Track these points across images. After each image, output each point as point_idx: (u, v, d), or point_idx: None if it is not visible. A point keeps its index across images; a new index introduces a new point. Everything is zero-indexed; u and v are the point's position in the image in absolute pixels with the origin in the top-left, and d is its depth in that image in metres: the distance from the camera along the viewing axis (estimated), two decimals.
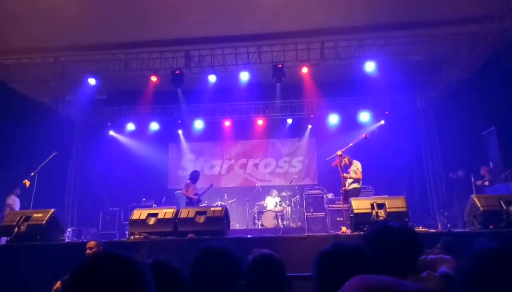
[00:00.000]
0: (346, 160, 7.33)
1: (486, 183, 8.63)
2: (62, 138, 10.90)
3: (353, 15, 8.31)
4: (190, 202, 9.00)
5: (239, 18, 8.45)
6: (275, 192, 11.04)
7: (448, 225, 8.32)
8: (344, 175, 7.10)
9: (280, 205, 10.56)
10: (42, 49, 9.12)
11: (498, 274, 1.37)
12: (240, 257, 1.90)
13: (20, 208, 8.29)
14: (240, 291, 1.72)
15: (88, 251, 4.77)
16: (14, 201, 8.54)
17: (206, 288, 1.73)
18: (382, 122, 11.86)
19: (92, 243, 4.86)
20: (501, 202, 5.28)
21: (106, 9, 8.03)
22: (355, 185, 7.20)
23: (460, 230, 6.02)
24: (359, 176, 7.19)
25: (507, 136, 8.17)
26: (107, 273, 0.93)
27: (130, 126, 12.50)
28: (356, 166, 7.26)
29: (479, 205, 5.35)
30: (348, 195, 7.08)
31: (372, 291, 0.85)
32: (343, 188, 7.15)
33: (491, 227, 5.14)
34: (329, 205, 9.52)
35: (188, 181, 9.24)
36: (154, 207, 10.36)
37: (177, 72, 9.60)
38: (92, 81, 9.89)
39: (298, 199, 10.90)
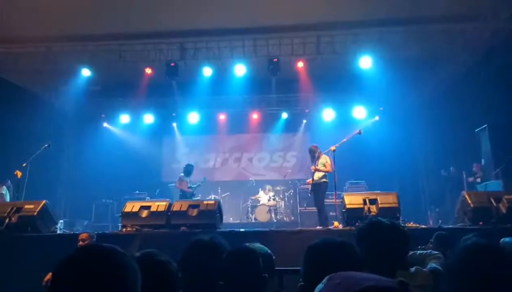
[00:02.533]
0: (317, 153, 7.32)
1: (478, 180, 8.72)
2: (55, 129, 10.80)
3: (349, 9, 8.30)
4: (184, 195, 9.04)
5: (234, 11, 8.39)
6: (268, 186, 11.08)
7: (439, 221, 8.38)
8: (315, 167, 7.11)
9: (273, 199, 10.60)
10: (34, 38, 8.98)
11: (480, 267, 1.40)
12: (229, 250, 1.91)
13: (11, 199, 8.24)
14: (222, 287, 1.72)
15: (80, 242, 4.77)
16: (5, 192, 8.49)
17: (194, 281, 1.74)
18: (377, 118, 11.90)
19: (84, 235, 4.85)
20: (491, 199, 5.35)
21: None
22: (324, 179, 7.17)
23: (450, 226, 6.09)
24: (329, 168, 7.09)
25: (499, 134, 8.25)
26: (92, 265, 0.93)
27: (125, 118, 12.41)
28: (325, 159, 7.22)
29: (469, 201, 5.42)
30: (316, 187, 7.12)
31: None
32: (311, 180, 7.20)
33: (480, 223, 5.22)
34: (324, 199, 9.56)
35: (182, 174, 9.27)
36: (148, 199, 10.35)
37: (172, 64, 9.53)
38: (86, 72, 9.80)
39: (291, 193, 10.95)
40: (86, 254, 0.98)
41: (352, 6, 8.15)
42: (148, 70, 9.93)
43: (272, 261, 2.25)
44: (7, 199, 8.31)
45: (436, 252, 2.79)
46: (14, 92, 9.88)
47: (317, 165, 7.12)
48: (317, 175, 7.14)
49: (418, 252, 2.81)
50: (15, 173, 6.56)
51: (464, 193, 5.70)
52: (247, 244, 2.33)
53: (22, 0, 7.70)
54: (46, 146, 7.05)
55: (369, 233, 1.98)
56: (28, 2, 7.77)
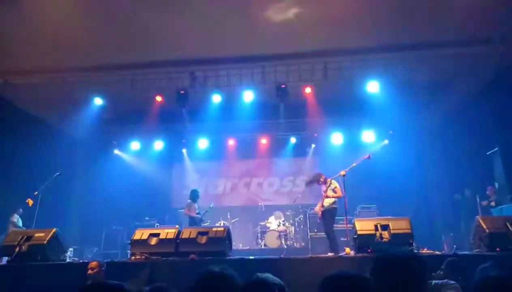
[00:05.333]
0: (322, 178, 7.23)
1: (492, 204, 8.51)
2: (67, 157, 10.97)
3: (356, 36, 8.41)
4: (193, 221, 9.01)
5: (243, 40, 8.59)
6: (278, 212, 10.96)
7: (454, 247, 8.15)
8: (326, 194, 7.00)
9: (283, 225, 10.47)
10: (50, 69, 9.28)
11: None
12: (240, 282, 1.88)
13: (22, 227, 8.30)
14: None
15: (90, 271, 4.75)
16: (17, 219, 8.56)
17: None
18: (386, 141, 11.84)
19: (94, 264, 4.83)
20: (508, 224, 5.20)
21: (112, 31, 8.20)
22: (333, 205, 7.03)
23: (466, 252, 5.91)
24: (340, 194, 6.98)
25: None
26: None
27: (135, 145, 12.57)
28: (334, 184, 7.10)
29: (484, 226, 5.28)
30: (326, 214, 6.98)
31: None
32: (321, 207, 7.06)
33: (497, 249, 5.05)
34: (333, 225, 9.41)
35: (189, 200, 9.27)
36: (157, 226, 10.33)
37: (182, 92, 9.70)
38: (98, 101, 10.03)
39: (301, 219, 10.80)
40: None
41: (359, 32, 8.26)
42: (159, 98, 10.12)
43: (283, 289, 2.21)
44: (20, 226, 8.37)
45: (452, 282, 2.70)
46: (28, 121, 10.14)
47: (326, 191, 7.04)
48: (327, 201, 7.04)
49: (434, 281, 2.73)
50: (27, 201, 6.64)
51: (479, 218, 5.56)
52: (258, 274, 2.29)
53: (37, 32, 8.01)
54: (57, 174, 7.15)
55: (383, 264, 1.94)
56: (43, 34, 8.08)
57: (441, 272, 3.76)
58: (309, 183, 7.36)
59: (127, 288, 0.99)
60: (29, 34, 8.03)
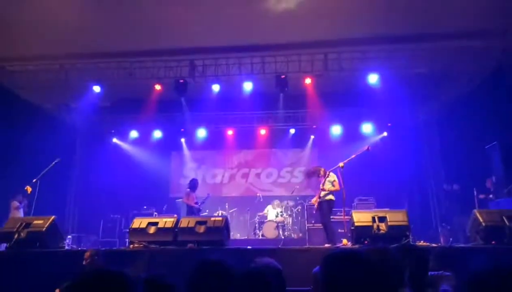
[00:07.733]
0: (321, 172, 7.26)
1: (491, 196, 8.54)
2: (65, 145, 10.92)
3: (356, 28, 8.35)
4: (191, 211, 9.06)
5: (243, 29, 8.52)
6: (276, 202, 11.00)
7: (451, 239, 8.22)
8: (324, 186, 7.03)
9: (281, 216, 10.51)
10: (48, 56, 9.20)
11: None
12: (237, 271, 1.88)
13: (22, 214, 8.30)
14: None
15: (84, 261, 4.77)
16: (18, 206, 8.56)
17: None
18: (385, 134, 11.85)
19: (86, 254, 4.85)
20: (504, 217, 5.24)
21: (111, 19, 8.11)
22: (331, 196, 7.07)
23: (462, 245, 5.96)
24: (337, 187, 7.02)
25: (510, 150, 8.13)
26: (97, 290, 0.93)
27: (133, 134, 12.55)
28: (333, 177, 7.14)
29: (481, 220, 5.32)
30: (322, 205, 7.03)
31: None
32: (318, 199, 7.12)
33: (493, 242, 5.10)
34: (331, 217, 9.45)
35: (188, 189, 9.31)
36: (155, 215, 10.36)
37: (181, 81, 9.64)
38: (96, 88, 9.96)
39: (299, 210, 10.84)
40: (93, 279, 0.97)
41: (360, 24, 8.20)
42: (158, 87, 10.04)
43: (282, 278, 2.22)
44: (21, 213, 8.38)
45: (448, 273, 2.73)
46: (26, 109, 10.08)
47: (324, 184, 7.06)
48: (323, 192, 7.08)
49: (430, 273, 2.75)
50: (25, 188, 6.64)
51: (475, 211, 5.60)
52: (257, 259, 2.31)
53: (36, 18, 7.91)
54: (56, 161, 7.14)
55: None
56: (41, 20, 7.99)
57: (430, 263, 3.79)
58: (309, 175, 7.39)
59: (127, 274, 0.99)
60: (27, 20, 7.92)
